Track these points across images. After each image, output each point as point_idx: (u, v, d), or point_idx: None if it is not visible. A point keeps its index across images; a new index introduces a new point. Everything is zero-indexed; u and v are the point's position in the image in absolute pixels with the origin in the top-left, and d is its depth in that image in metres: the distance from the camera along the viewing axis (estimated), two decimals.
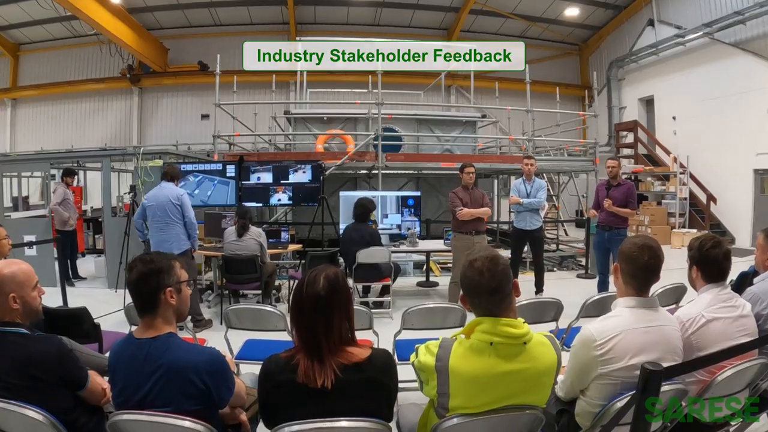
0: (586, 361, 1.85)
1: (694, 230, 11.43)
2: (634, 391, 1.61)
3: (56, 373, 1.82)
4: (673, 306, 3.22)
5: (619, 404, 1.75)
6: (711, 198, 12.30)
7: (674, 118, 13.74)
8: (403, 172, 10.63)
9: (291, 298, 1.76)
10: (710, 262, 2.15)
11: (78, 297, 6.02)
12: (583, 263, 8.57)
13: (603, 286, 5.88)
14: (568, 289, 6.89)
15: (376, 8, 16.45)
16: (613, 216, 5.76)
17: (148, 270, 1.75)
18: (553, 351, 1.70)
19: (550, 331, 2.69)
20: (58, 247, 6.37)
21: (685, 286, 3.17)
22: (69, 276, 7.31)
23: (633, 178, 13.20)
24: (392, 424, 1.67)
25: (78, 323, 2.97)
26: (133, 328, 2.05)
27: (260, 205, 8.04)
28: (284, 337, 2.94)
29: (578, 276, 8.09)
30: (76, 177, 8.34)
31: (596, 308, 3.17)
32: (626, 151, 15.35)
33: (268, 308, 3.22)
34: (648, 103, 15.45)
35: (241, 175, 7.33)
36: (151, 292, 1.74)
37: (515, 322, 1.64)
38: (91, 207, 12.30)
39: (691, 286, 2.33)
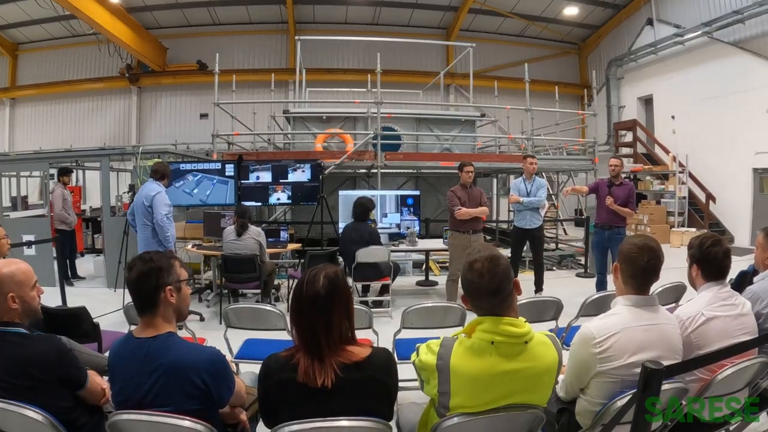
0: (585, 358, 1.85)
1: (693, 229, 11.44)
2: (634, 390, 1.60)
3: (55, 372, 1.82)
4: (673, 305, 3.22)
5: (620, 403, 1.75)
6: (710, 197, 12.31)
7: (673, 117, 13.75)
8: (402, 171, 10.63)
9: (291, 297, 1.76)
10: (710, 260, 2.15)
11: (77, 297, 6.02)
12: (583, 262, 8.57)
13: (601, 285, 5.91)
14: (568, 288, 6.89)
15: (375, 7, 16.44)
16: (612, 214, 5.79)
17: (147, 269, 1.74)
18: (554, 350, 1.69)
19: (550, 330, 2.69)
20: (57, 247, 6.37)
21: (685, 285, 3.18)
22: (68, 276, 7.30)
23: (632, 177, 13.21)
24: (392, 424, 1.67)
25: (77, 323, 2.96)
26: (133, 327, 2.05)
27: (259, 204, 8.02)
28: (284, 336, 2.94)
29: (577, 275, 8.09)
30: (72, 175, 8.32)
31: (596, 307, 3.17)
32: (625, 150, 15.36)
33: (268, 307, 3.21)
34: (647, 102, 15.46)
35: (240, 175, 7.32)
36: (150, 290, 1.73)
37: (516, 322, 1.64)
38: (90, 207, 12.29)
39: (691, 285, 2.33)
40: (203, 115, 16.24)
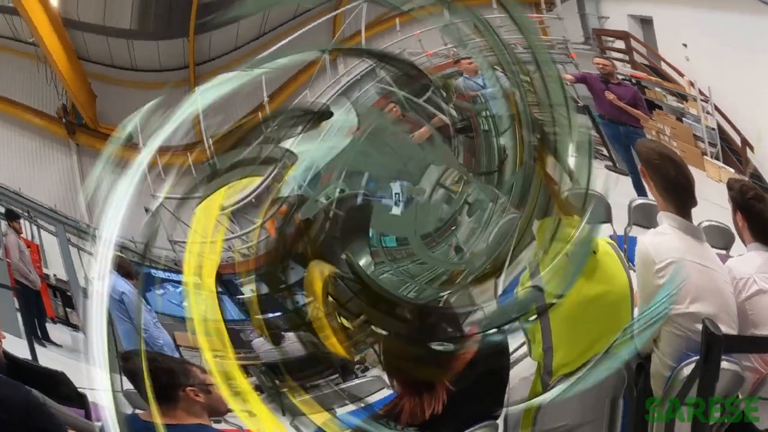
0: (653, 290, 1.88)
1: (732, 170, 11.11)
2: (697, 357, 1.72)
3: (23, 421, 1.84)
4: (723, 253, 3.19)
5: (686, 370, 1.83)
6: (746, 143, 11.77)
7: (685, 45, 13.29)
8: None
9: (382, 355, 1.90)
10: (755, 215, 2.13)
11: (53, 362, 5.49)
12: (605, 152, 8.34)
13: (639, 189, 5.69)
14: (601, 179, 6.83)
15: (261, 13, 16.03)
16: (618, 110, 5.63)
17: (152, 367, 1.67)
18: (621, 265, 1.86)
19: (609, 236, 2.79)
20: (19, 299, 6.28)
21: (732, 232, 3.18)
22: (37, 333, 7.12)
23: (635, 82, 12.89)
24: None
25: (53, 384, 2.93)
26: (139, 411, 1.93)
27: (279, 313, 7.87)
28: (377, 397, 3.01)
29: (606, 167, 7.96)
30: (23, 222, 8.28)
31: (644, 215, 3.34)
32: (615, 56, 14.85)
33: (356, 381, 3.33)
34: (644, 21, 15.08)
35: (230, 290, 7.24)
36: (161, 388, 1.64)
37: (575, 223, 1.79)
38: (55, 275, 12.17)
39: (738, 235, 2.34)
40: (148, 210, 16.05)
